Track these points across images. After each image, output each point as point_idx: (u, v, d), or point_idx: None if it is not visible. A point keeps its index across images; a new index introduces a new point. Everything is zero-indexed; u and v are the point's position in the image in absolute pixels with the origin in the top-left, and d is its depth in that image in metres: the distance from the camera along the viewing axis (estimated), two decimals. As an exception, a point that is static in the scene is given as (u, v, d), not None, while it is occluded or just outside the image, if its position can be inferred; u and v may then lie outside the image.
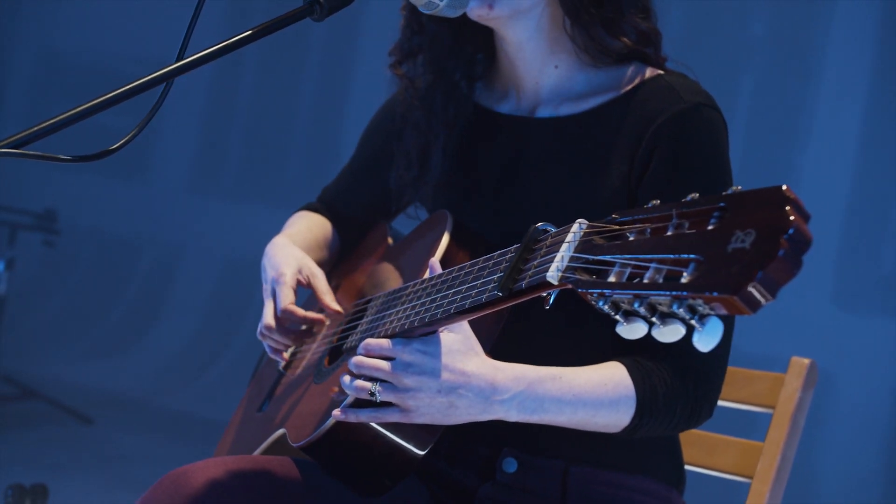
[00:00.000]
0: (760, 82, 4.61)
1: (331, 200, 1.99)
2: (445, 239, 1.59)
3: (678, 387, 1.48)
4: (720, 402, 1.83)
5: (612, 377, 1.45)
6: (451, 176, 1.74)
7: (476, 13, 1.59)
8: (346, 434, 1.47)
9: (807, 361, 1.72)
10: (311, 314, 1.71)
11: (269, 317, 1.71)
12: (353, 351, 1.60)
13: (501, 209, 1.66)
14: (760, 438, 1.80)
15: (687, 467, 1.76)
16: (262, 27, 1.29)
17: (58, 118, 1.14)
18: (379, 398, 1.38)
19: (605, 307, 1.05)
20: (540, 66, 1.66)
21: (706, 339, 0.97)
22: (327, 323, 1.75)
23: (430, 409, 1.37)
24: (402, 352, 1.37)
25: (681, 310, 0.96)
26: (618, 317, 1.05)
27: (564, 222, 1.24)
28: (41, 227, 4.80)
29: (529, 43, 1.64)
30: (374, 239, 1.94)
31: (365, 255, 1.93)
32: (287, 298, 1.70)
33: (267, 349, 1.77)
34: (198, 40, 1.28)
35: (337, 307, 1.72)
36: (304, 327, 1.76)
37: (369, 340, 1.41)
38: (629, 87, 1.61)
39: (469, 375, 1.36)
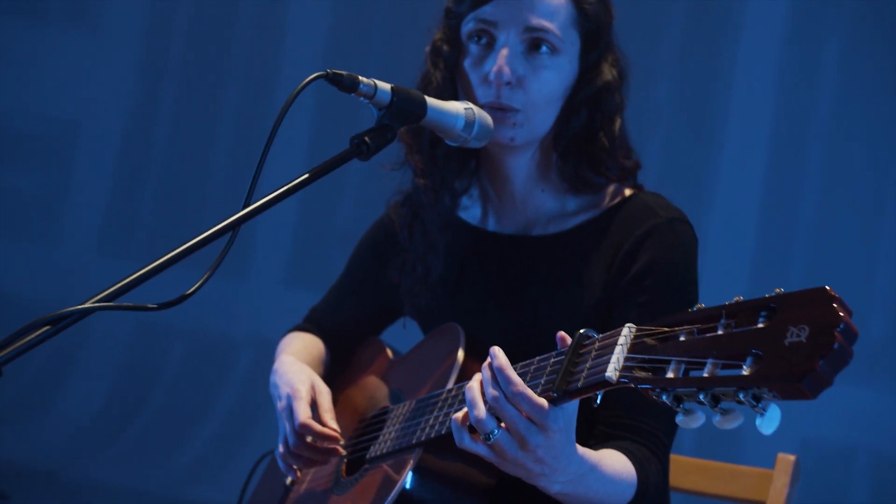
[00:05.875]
0: (676, 92, 4.78)
1: (319, 319, 2.04)
2: (461, 352, 1.66)
3: (660, 470, 1.61)
4: (711, 496, 1.91)
5: (624, 470, 1.55)
6: (445, 291, 1.81)
7: (497, 140, 1.68)
8: None
9: (792, 458, 1.83)
10: (328, 430, 1.72)
11: (291, 436, 1.72)
12: (378, 460, 1.63)
13: (503, 323, 1.74)
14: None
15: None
16: (318, 169, 1.38)
17: (140, 272, 1.31)
18: (492, 440, 1.37)
19: (668, 401, 1.16)
20: (529, 189, 1.77)
21: (768, 423, 1.09)
22: (341, 441, 1.76)
23: (514, 467, 1.40)
24: (546, 419, 1.34)
25: (746, 398, 1.08)
26: (678, 409, 1.16)
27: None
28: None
29: (522, 170, 1.75)
30: (370, 354, 1.98)
31: (362, 370, 1.96)
32: (304, 413, 1.73)
33: (281, 466, 1.78)
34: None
35: (335, 426, 1.74)
36: (308, 439, 1.74)
37: (524, 391, 1.34)
38: (609, 205, 1.75)
39: (558, 465, 1.39)
